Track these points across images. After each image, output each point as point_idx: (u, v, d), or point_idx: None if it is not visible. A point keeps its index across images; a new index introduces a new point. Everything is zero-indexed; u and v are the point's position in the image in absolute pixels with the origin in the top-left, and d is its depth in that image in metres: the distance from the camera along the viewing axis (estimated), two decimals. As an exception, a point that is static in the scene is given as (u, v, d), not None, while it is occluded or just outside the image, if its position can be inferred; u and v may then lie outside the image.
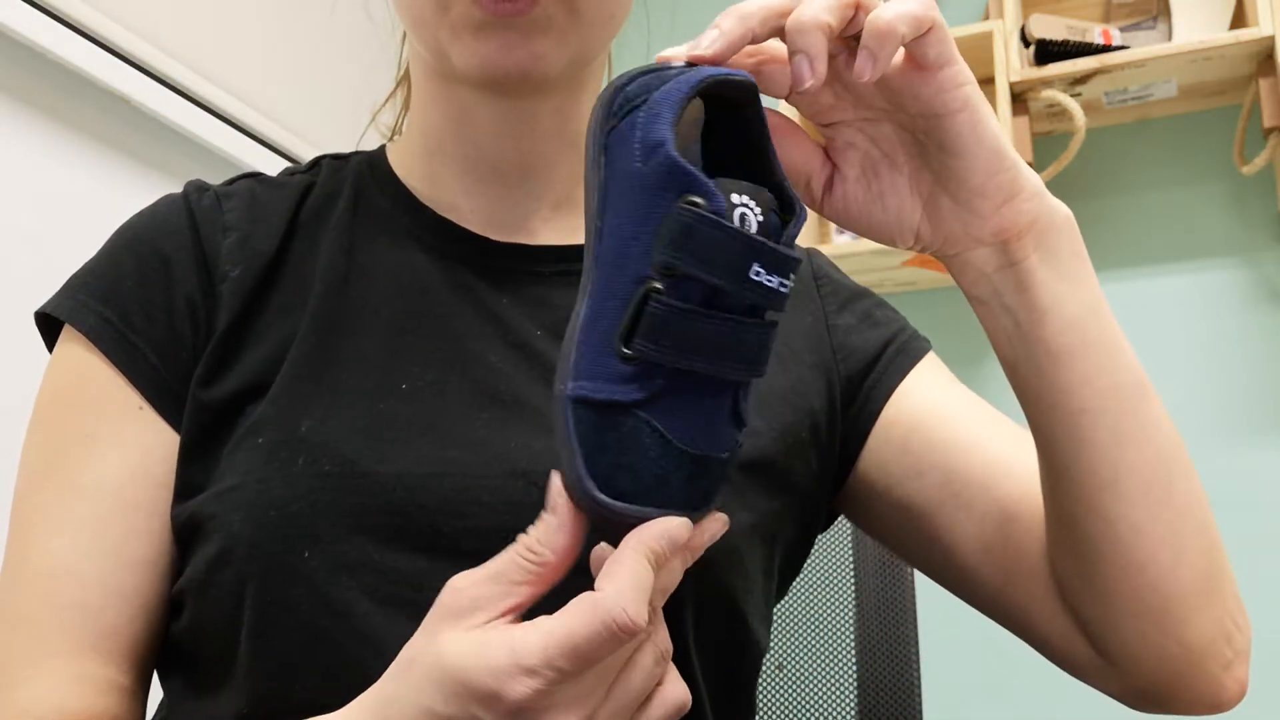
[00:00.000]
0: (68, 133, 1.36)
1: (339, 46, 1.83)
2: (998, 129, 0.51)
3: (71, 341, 0.61)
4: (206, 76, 1.55)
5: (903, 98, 0.51)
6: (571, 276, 0.65)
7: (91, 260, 0.64)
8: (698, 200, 0.42)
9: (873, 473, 0.67)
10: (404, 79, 0.76)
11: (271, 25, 1.72)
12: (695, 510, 0.46)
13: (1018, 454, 0.64)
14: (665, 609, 0.47)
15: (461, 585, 0.45)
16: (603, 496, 0.44)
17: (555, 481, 0.46)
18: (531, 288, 0.64)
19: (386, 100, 0.78)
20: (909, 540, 0.67)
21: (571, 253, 0.66)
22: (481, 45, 0.58)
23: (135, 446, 0.59)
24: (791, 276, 0.44)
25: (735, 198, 0.43)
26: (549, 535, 0.45)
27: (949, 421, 0.66)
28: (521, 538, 0.45)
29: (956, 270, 0.55)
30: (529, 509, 0.56)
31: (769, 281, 0.43)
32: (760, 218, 0.44)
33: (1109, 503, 0.54)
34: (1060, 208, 0.54)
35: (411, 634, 0.48)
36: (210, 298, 0.61)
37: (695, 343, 0.43)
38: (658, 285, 0.43)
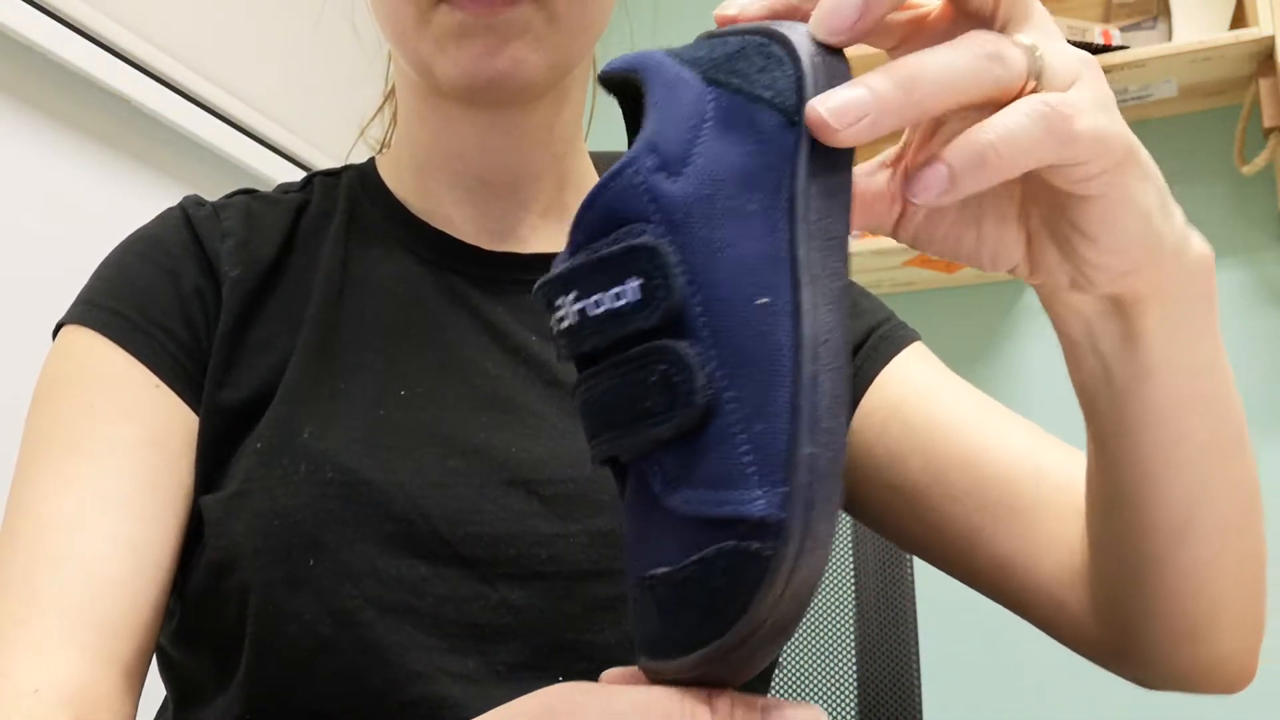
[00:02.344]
0: (68, 133, 1.36)
1: (340, 46, 1.83)
2: (1148, 207, 0.39)
3: (75, 334, 0.60)
4: (206, 76, 1.55)
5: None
6: None
7: (93, 276, 0.63)
8: None
9: (860, 460, 0.66)
10: (391, 92, 0.76)
11: (271, 25, 1.72)
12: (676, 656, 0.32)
13: (1003, 431, 0.62)
14: None
15: None
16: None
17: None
18: (523, 296, 0.64)
19: (375, 115, 0.79)
20: (903, 527, 0.66)
21: None
22: (463, 52, 0.57)
23: (149, 417, 0.57)
24: (560, 301, 0.34)
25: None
26: None
27: (928, 404, 0.64)
28: None
29: (1045, 299, 0.44)
30: (530, 516, 0.56)
31: (560, 322, 0.34)
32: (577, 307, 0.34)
33: (1169, 549, 0.50)
34: (1198, 252, 0.43)
35: (412, 642, 0.47)
36: (215, 294, 0.61)
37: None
38: None
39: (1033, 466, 0.60)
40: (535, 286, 0.36)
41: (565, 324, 0.33)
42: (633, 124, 0.39)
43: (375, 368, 0.60)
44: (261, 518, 0.54)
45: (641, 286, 0.32)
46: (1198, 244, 0.43)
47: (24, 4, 1.25)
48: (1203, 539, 0.49)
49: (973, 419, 0.63)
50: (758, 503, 0.30)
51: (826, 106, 0.33)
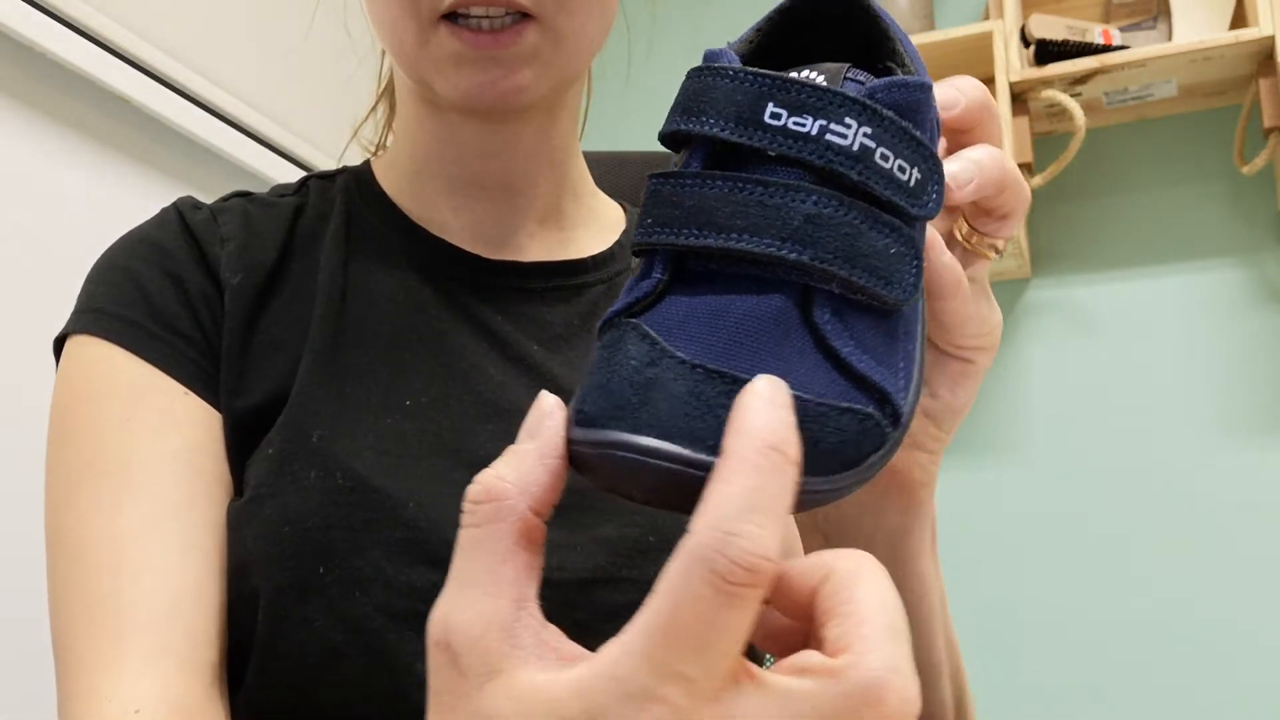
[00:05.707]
0: (68, 133, 1.35)
1: (339, 43, 1.83)
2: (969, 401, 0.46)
3: (90, 345, 0.59)
4: (207, 76, 1.55)
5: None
6: (563, 292, 0.65)
7: (92, 281, 0.61)
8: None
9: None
10: (384, 93, 0.76)
11: (271, 25, 1.72)
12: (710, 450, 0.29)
13: None
14: None
15: (446, 633, 0.30)
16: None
17: (545, 400, 0.33)
18: (524, 305, 0.64)
19: (367, 116, 0.78)
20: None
21: (561, 269, 0.66)
22: (464, 78, 0.57)
23: (187, 424, 0.57)
24: (850, 121, 0.33)
25: (793, 73, 0.35)
26: (518, 468, 0.32)
27: None
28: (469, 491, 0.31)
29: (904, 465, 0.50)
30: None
31: (797, 125, 0.33)
32: (822, 80, 0.35)
33: None
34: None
35: (422, 649, 0.46)
36: (219, 300, 0.61)
37: (688, 212, 0.33)
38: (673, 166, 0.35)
39: None
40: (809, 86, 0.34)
41: (840, 141, 0.33)
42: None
43: (381, 376, 0.59)
44: (272, 525, 0.54)
45: (919, 181, 0.35)
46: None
47: (24, 4, 1.25)
48: None
49: None
50: (901, 394, 0.34)
51: (948, 172, 0.38)
